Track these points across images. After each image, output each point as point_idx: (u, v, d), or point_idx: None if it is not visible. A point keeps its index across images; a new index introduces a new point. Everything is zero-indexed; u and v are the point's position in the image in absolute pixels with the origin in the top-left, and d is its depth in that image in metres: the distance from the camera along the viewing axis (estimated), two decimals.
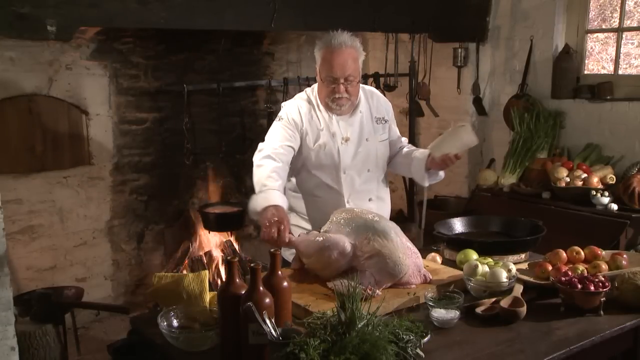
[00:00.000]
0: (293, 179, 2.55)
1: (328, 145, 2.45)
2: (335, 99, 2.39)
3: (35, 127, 3.43)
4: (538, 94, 4.22)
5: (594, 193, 3.48)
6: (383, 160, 2.60)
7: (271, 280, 1.65)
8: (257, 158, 2.34)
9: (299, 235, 2.18)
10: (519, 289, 2.00)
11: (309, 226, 2.52)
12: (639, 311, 1.94)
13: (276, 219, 2.08)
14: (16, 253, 3.47)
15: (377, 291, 1.96)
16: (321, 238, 2.07)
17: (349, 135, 2.47)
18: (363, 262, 2.02)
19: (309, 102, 2.49)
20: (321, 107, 2.47)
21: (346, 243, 2.04)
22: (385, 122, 2.59)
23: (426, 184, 2.59)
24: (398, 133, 2.70)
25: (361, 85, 2.56)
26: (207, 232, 4.07)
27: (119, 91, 3.78)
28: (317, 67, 2.43)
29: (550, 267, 2.12)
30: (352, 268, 2.03)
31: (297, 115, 2.44)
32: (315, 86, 2.52)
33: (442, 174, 2.57)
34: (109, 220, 3.84)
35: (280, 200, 2.18)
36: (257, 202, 2.18)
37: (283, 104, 2.54)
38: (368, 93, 2.59)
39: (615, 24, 4.02)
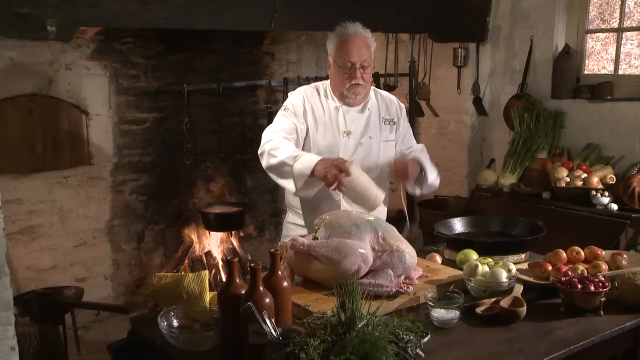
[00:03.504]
0: None
1: (328, 136, 2.45)
2: (352, 86, 2.40)
3: (35, 127, 3.43)
4: (538, 94, 4.22)
5: (594, 193, 3.48)
6: (385, 160, 2.54)
7: (271, 280, 1.65)
8: (269, 146, 2.34)
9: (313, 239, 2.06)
10: (519, 289, 2.00)
11: (303, 223, 2.53)
12: (639, 311, 1.94)
13: (334, 162, 2.18)
14: (16, 253, 3.47)
15: (410, 287, 1.97)
16: (336, 242, 1.96)
17: (352, 129, 2.46)
18: (381, 261, 1.98)
19: (317, 91, 2.51)
20: (329, 97, 2.48)
21: (365, 247, 1.96)
22: (394, 123, 2.57)
23: (417, 193, 2.52)
24: (411, 140, 2.66)
25: (373, 87, 2.57)
26: (207, 232, 4.07)
27: (119, 91, 3.77)
28: (332, 58, 2.43)
29: (550, 267, 2.12)
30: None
31: (301, 102, 2.46)
32: (325, 81, 2.54)
33: (435, 182, 2.51)
34: (109, 220, 3.84)
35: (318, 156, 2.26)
36: (303, 165, 2.23)
37: (290, 93, 2.54)
38: (379, 95, 2.59)
39: (615, 24, 4.01)
